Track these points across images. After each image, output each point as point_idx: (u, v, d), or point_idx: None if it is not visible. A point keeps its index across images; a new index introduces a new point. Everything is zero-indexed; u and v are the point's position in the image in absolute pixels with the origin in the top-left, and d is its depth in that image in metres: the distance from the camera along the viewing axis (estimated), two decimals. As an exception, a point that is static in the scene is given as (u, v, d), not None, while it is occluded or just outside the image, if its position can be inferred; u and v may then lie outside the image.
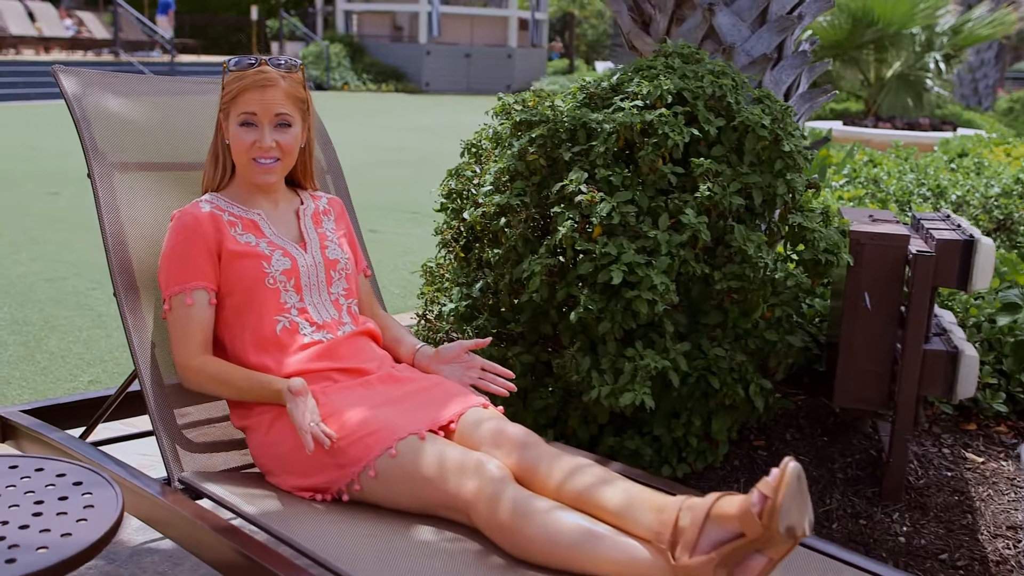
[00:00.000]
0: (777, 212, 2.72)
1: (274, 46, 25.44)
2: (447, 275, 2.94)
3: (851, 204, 4.45)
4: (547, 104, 2.81)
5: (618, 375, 2.48)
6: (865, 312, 2.65)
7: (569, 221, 2.46)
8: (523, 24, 27.47)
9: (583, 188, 2.49)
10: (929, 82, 10.83)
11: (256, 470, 2.06)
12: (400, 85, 23.76)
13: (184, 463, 2.01)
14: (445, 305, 2.74)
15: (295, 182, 2.29)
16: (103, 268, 5.56)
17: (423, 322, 2.97)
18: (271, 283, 2.06)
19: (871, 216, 2.85)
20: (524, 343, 2.75)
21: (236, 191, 2.18)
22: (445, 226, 2.98)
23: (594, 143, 2.58)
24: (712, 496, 1.60)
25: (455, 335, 2.77)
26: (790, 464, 1.50)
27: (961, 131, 9.13)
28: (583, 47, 35.23)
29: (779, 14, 3.30)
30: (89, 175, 2.16)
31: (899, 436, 2.64)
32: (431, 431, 1.90)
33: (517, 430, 1.91)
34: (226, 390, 2.03)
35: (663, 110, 2.53)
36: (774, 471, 1.50)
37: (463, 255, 2.95)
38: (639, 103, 2.59)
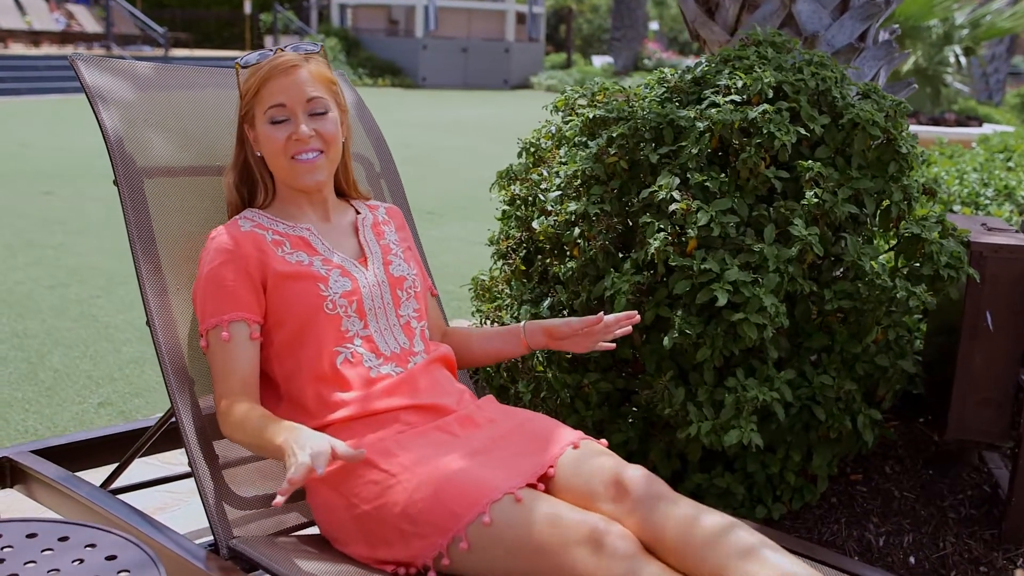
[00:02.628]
0: (874, 220, 2.42)
1: (268, 40, 25.04)
2: (506, 290, 2.63)
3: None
4: (623, 99, 2.50)
5: (718, 408, 2.18)
6: (986, 333, 2.35)
7: (662, 233, 2.15)
8: (520, 18, 27.13)
9: (676, 195, 2.18)
10: (948, 77, 10.54)
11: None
12: (396, 80, 23.38)
13: (233, 524, 1.70)
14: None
15: (341, 192, 1.97)
16: (106, 274, 5.23)
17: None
18: (330, 308, 1.74)
19: (984, 224, 2.56)
20: (597, 368, 2.44)
21: (281, 208, 1.86)
22: (503, 235, 2.67)
23: (684, 143, 2.27)
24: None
25: (523, 368, 2.46)
26: None
27: (988, 127, 8.85)
28: (579, 41, 34.94)
29: (863, 0, 3.00)
30: (116, 182, 1.84)
31: (1023, 473, 2.35)
32: (530, 485, 1.58)
33: (637, 475, 1.59)
34: (251, 445, 1.67)
35: (765, 106, 2.23)
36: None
37: (524, 268, 2.64)
38: (735, 98, 2.29)
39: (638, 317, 1.89)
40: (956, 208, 4.14)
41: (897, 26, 3.25)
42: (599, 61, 28.19)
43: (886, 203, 2.35)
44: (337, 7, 25.79)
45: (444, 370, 1.86)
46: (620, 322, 1.89)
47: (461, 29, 25.90)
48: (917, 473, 2.59)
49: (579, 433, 1.73)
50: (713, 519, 1.52)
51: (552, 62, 28.20)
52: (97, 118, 1.86)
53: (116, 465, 2.08)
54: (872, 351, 2.30)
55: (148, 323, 1.80)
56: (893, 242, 2.44)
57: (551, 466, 1.64)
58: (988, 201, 4.13)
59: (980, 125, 9.01)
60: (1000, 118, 11.69)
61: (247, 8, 24.43)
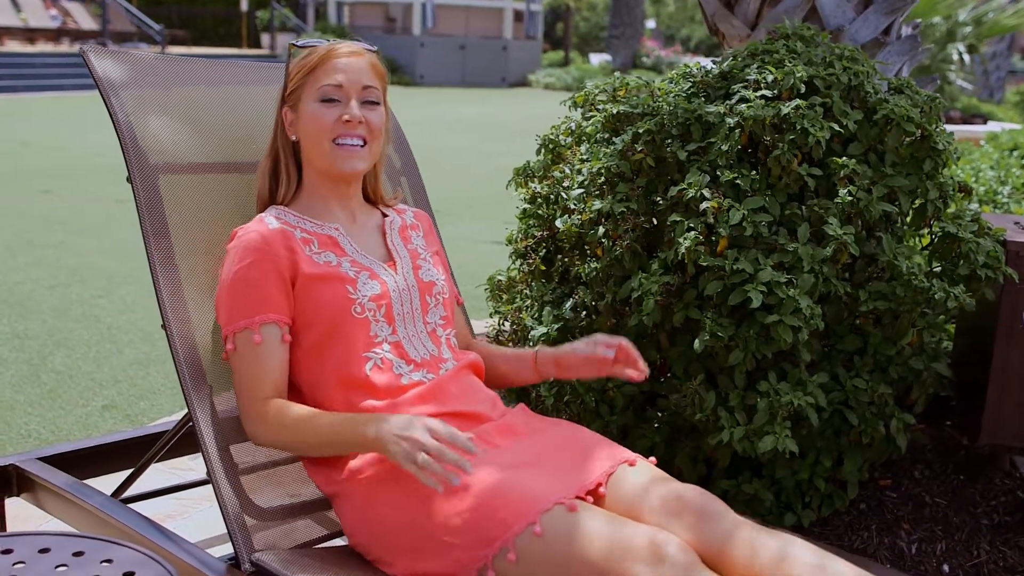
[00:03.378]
0: (905, 219, 2.35)
1: (265, 37, 24.94)
2: (527, 291, 2.55)
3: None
4: (647, 94, 2.43)
5: (750, 413, 2.11)
6: (1022, 335, 2.28)
7: (692, 232, 2.08)
8: (518, 16, 27.06)
9: (706, 193, 2.11)
10: (951, 74, 10.48)
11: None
12: (394, 77, 23.26)
13: (255, 536, 1.62)
14: (534, 328, 2.36)
15: (367, 198, 1.90)
16: (107, 274, 5.15)
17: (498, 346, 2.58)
18: (359, 312, 1.67)
19: (1019, 223, 2.49)
20: (621, 371, 2.37)
21: (307, 204, 1.79)
22: (522, 235, 2.59)
23: (713, 140, 2.20)
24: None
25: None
26: None
27: (993, 124, 8.80)
28: (576, 39, 34.89)
29: (888, -7, 2.93)
30: (129, 179, 1.77)
31: (1060, 478, 2.28)
32: (579, 498, 1.51)
33: (692, 493, 1.52)
34: (304, 442, 1.63)
35: (799, 101, 2.16)
36: None
37: (544, 268, 2.57)
38: (765, 93, 2.21)
39: (643, 374, 1.77)
40: (974, 206, 4.07)
41: (920, 20, 3.18)
42: (596, 59, 28.13)
43: (919, 201, 2.28)
44: (334, 4, 25.70)
45: (474, 377, 1.78)
46: (626, 359, 1.77)
47: (459, 27, 25.81)
48: (947, 478, 2.52)
49: (630, 452, 1.66)
50: (783, 537, 1.46)
51: (550, 60, 28.13)
52: (109, 111, 1.78)
53: (130, 471, 2.01)
54: (907, 354, 2.24)
55: (164, 326, 1.73)
56: (923, 241, 2.38)
57: (600, 483, 1.57)
58: (1006, 199, 4.07)
59: (985, 123, 8.96)
60: (1002, 115, 11.65)
61: (244, 5, 24.32)
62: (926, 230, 2.34)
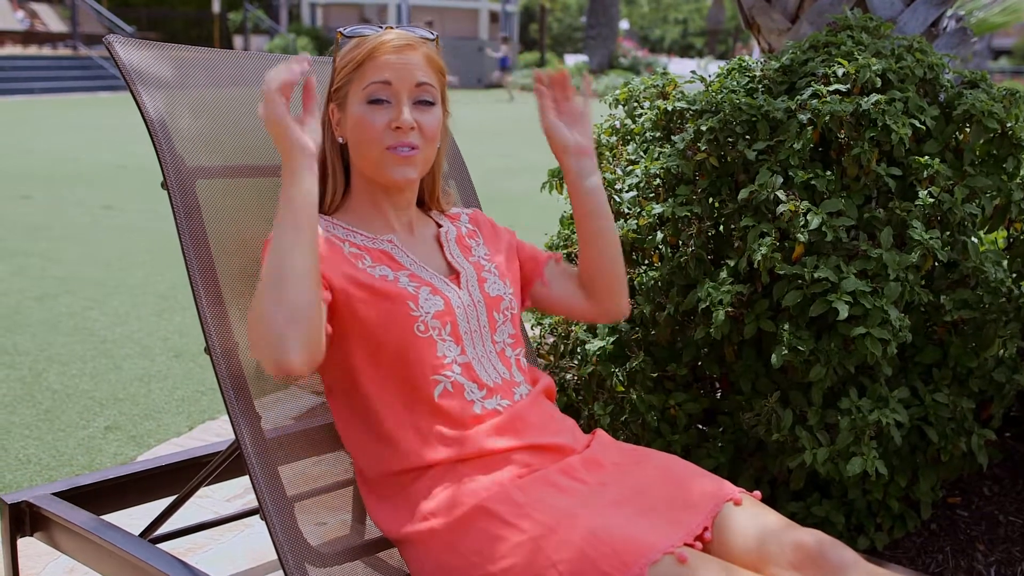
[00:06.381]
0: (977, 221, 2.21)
1: (237, 39, 24.60)
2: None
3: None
4: (701, 90, 2.27)
5: (830, 432, 1.96)
6: (1107, 344, 2.15)
7: (767, 238, 1.93)
8: (494, 16, 26.91)
9: (780, 195, 1.95)
10: (939, 72, 10.41)
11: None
12: (369, 79, 23.02)
13: (317, 585, 1.44)
14: (588, 342, 2.19)
15: (420, 201, 1.72)
16: (97, 283, 4.92)
17: (542, 360, 2.41)
18: (422, 330, 1.48)
19: (1094, 224, 2.36)
20: (677, 387, 2.21)
21: (356, 212, 1.61)
22: (564, 240, 2.42)
23: (783, 138, 2.05)
24: None
25: (597, 388, 2.22)
26: None
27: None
28: (549, 40, 34.81)
29: (937, -16, 2.79)
30: (164, 185, 1.58)
31: None
32: (687, 544, 1.34)
33: (812, 540, 1.36)
34: (273, 273, 1.33)
35: (878, 96, 2.00)
36: None
37: (589, 276, 2.40)
38: (839, 87, 2.06)
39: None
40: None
41: (963, 13, 3.06)
42: (572, 60, 28.05)
43: (997, 201, 2.14)
44: (308, 6, 25.43)
45: (550, 403, 1.61)
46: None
47: (434, 27, 25.62)
48: (1018, 494, 2.39)
49: (731, 485, 1.49)
50: None
51: (525, 61, 27.99)
52: (140, 109, 1.59)
53: (171, 500, 1.81)
54: (989, 365, 2.09)
55: (207, 350, 1.54)
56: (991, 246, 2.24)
57: (707, 527, 1.40)
58: None
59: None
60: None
61: (216, 7, 23.97)
62: (1005, 233, 2.20)
